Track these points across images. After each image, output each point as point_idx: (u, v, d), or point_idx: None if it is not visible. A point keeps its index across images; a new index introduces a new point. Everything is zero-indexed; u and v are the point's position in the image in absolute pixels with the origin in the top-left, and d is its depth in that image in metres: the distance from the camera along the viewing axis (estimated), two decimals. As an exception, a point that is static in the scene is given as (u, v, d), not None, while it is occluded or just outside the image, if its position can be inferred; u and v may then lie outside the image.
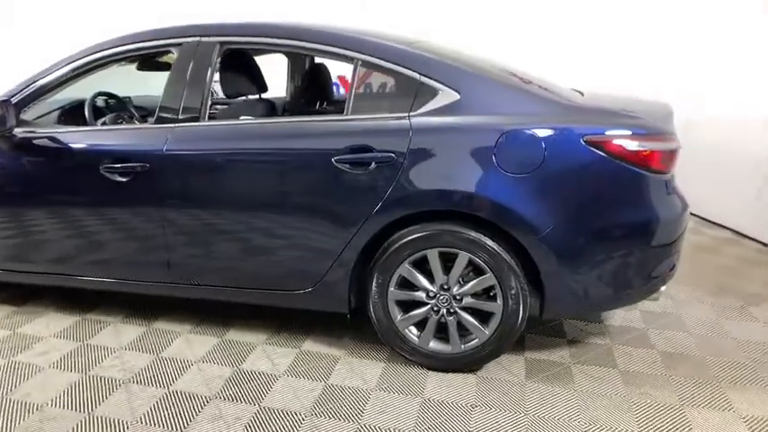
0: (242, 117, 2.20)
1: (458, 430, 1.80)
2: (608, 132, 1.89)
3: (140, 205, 2.20)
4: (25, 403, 1.94)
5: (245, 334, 2.44)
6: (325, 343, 2.37)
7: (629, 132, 1.90)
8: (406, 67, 2.04)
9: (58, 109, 2.65)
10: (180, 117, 2.16)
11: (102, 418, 1.86)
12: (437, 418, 1.86)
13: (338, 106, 3.25)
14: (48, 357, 2.26)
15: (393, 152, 1.95)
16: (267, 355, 2.28)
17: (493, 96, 2.00)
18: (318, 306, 2.24)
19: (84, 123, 2.61)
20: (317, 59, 2.99)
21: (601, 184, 1.92)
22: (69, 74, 2.30)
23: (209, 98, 2.17)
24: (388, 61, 2.05)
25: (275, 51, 2.25)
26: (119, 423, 1.83)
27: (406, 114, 2.00)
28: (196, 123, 2.15)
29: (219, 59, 2.20)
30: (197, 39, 2.20)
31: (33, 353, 2.30)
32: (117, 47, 2.27)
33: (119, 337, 2.42)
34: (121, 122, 2.75)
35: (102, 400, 1.96)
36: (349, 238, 2.05)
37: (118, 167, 2.16)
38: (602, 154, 1.88)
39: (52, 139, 2.27)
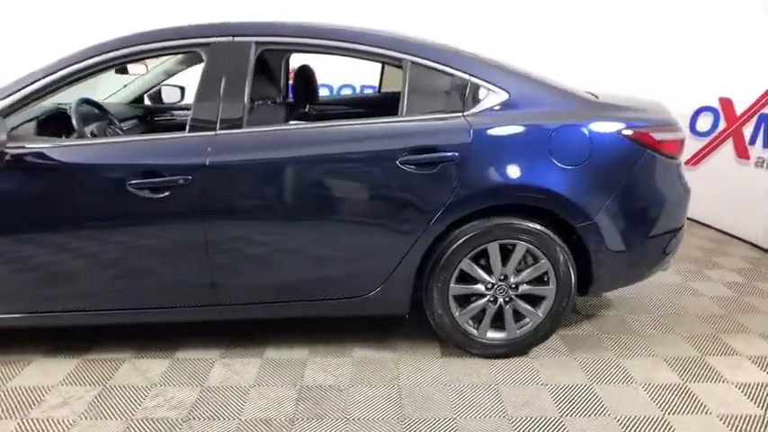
0: (291, 122, 2.08)
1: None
2: (638, 126, 2.14)
3: (180, 222, 1.97)
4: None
5: (282, 351, 2.31)
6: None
7: (654, 125, 2.17)
8: (456, 68, 2.09)
9: (30, 120, 2.22)
10: (220, 124, 1.98)
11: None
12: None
13: (327, 108, 3.21)
14: (72, 408, 1.93)
15: (457, 151, 2.00)
16: (323, 368, 2.19)
17: (536, 95, 2.14)
18: (377, 311, 2.21)
19: (67, 135, 2.25)
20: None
21: (634, 171, 2.14)
22: (72, 76, 1.96)
23: (250, 103, 2.01)
24: (437, 62, 2.09)
25: (313, 52, 2.14)
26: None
27: (462, 114, 2.06)
28: (239, 130, 1.98)
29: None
30: (229, 38, 2.02)
31: (49, 406, 1.95)
32: (131, 46, 1.99)
33: (145, 373, 2.15)
34: (113, 132, 2.41)
35: (170, 444, 1.75)
36: (415, 239, 2.06)
37: (150, 182, 1.91)
38: (635, 145, 2.12)
39: (60, 154, 1.92)
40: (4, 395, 2.01)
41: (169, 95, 3.39)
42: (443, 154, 1.99)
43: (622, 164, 2.13)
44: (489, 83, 2.10)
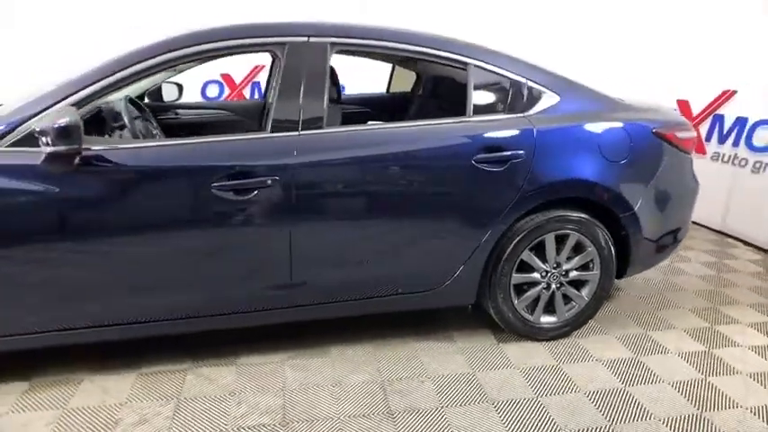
0: (369, 122, 2.10)
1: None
2: (666, 125, 2.41)
3: (264, 224, 1.93)
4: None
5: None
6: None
7: (676, 125, 2.46)
8: (514, 72, 2.23)
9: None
10: (302, 124, 1.96)
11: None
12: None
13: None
14: (154, 425, 1.83)
15: (524, 150, 2.14)
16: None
17: (580, 98, 2.34)
18: (446, 302, 2.31)
19: (100, 134, 2.09)
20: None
21: (662, 165, 2.41)
22: (143, 73, 1.85)
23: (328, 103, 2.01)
24: (498, 66, 2.22)
25: (383, 54, 2.17)
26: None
27: (524, 115, 2.21)
28: (321, 130, 1.98)
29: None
30: (304, 38, 2.01)
31: (129, 424, 1.82)
32: (203, 44, 1.91)
33: (215, 382, 2.07)
34: (154, 131, 2.27)
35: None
36: (486, 233, 2.17)
37: (237, 184, 1.86)
38: (664, 142, 2.39)
39: (140, 156, 1.81)
40: (71, 415, 1.86)
41: (168, 93, 3.25)
42: (513, 152, 2.13)
43: (654, 159, 2.39)
44: (543, 86, 2.27)
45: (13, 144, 1.73)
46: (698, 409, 2.02)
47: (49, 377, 2.07)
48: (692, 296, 3.00)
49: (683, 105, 4.33)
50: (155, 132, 2.28)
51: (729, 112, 3.97)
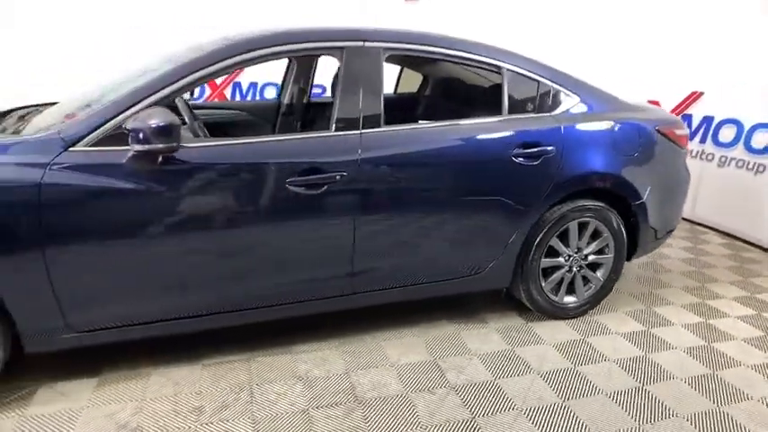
0: (420, 121, 2.27)
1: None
2: (667, 123, 2.72)
3: (331, 216, 2.06)
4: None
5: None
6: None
7: (674, 123, 2.78)
8: (541, 75, 2.47)
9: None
10: (363, 123, 2.10)
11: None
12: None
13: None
14: (235, 411, 1.92)
15: (554, 145, 2.38)
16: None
17: (595, 99, 2.60)
18: (486, 286, 2.52)
19: None
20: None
21: (665, 159, 2.73)
22: (212, 75, 1.94)
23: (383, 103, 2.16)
24: (528, 70, 2.45)
25: (429, 58, 2.34)
26: None
27: (551, 114, 2.45)
28: (379, 129, 2.13)
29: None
30: (360, 43, 2.15)
31: (213, 409, 1.90)
32: (272, 46, 2.01)
33: (280, 368, 2.17)
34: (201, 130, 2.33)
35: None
36: (524, 221, 2.40)
37: (310, 179, 1.98)
38: (665, 138, 2.70)
39: (227, 153, 1.91)
40: (152, 404, 1.92)
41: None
42: (545, 148, 2.36)
43: (658, 154, 2.69)
44: (566, 88, 2.52)
45: (95, 144, 1.78)
46: (710, 369, 2.32)
47: (117, 372, 2.11)
48: (679, 276, 3.35)
49: (654, 105, 4.76)
50: (201, 132, 2.36)
51: (697, 112, 4.41)
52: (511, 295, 2.69)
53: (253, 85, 5.35)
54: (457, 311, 2.71)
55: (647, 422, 1.97)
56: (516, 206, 2.37)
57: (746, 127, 3.99)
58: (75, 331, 1.88)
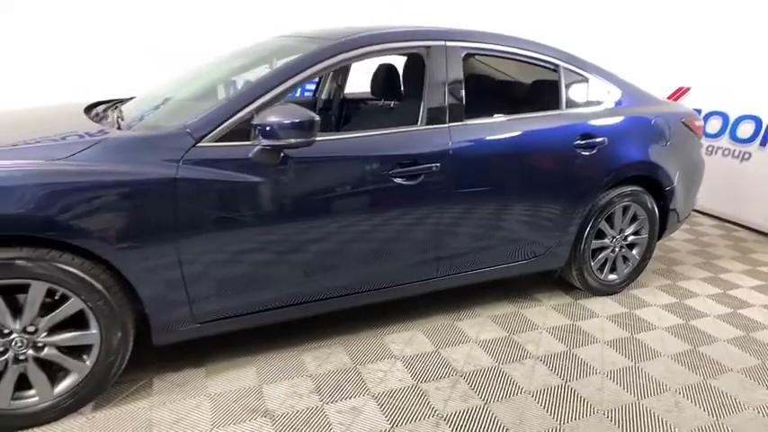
0: (495, 115, 2.44)
1: None
2: (689, 116, 3.04)
3: (425, 205, 2.21)
4: None
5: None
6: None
7: (694, 115, 3.10)
8: (591, 72, 2.71)
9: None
10: (449, 117, 2.26)
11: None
12: None
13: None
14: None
15: (606, 137, 2.62)
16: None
17: (633, 93, 2.87)
18: (546, 266, 2.73)
19: None
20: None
21: (688, 148, 3.05)
22: (311, 76, 2.03)
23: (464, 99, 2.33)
24: (579, 68, 2.68)
25: (500, 57, 2.51)
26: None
27: (600, 108, 2.69)
28: (462, 122, 2.29)
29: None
30: (443, 42, 2.30)
31: (330, 389, 2.01)
32: (367, 46, 2.13)
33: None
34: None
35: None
36: (581, 207, 2.63)
37: (408, 171, 2.12)
38: (688, 129, 3.02)
39: (342, 146, 2.02)
40: (271, 387, 2.00)
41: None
42: (600, 139, 2.60)
43: (683, 143, 3.00)
44: (611, 84, 2.77)
45: (220, 139, 1.85)
46: (743, 332, 2.65)
47: (219, 363, 2.17)
48: (688, 255, 3.72)
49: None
50: None
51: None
52: (560, 276, 2.92)
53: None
54: (512, 292, 2.92)
55: (709, 377, 2.25)
56: (577, 192, 2.60)
57: (732, 118, 4.43)
58: (198, 322, 1.94)
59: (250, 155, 1.86)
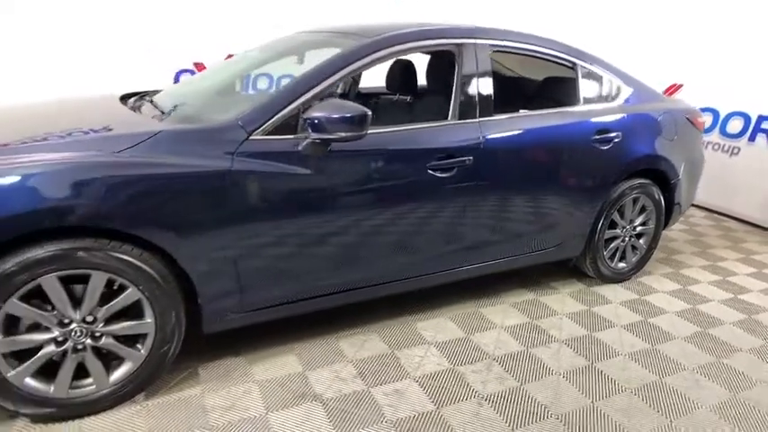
0: (521, 111, 2.53)
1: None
2: (692, 112, 3.20)
3: (457, 197, 2.29)
4: None
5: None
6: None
7: (698, 112, 3.26)
8: (605, 70, 2.83)
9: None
10: (480, 113, 2.34)
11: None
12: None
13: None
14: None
15: (619, 131, 2.75)
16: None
17: (642, 90, 3.01)
18: (564, 255, 2.85)
19: None
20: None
21: (691, 143, 3.21)
22: (351, 73, 2.08)
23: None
24: (595, 65, 2.80)
25: (524, 55, 2.60)
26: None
27: (614, 104, 2.82)
28: (492, 117, 2.38)
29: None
30: (473, 40, 2.38)
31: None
32: (402, 44, 2.19)
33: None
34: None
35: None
36: (598, 198, 2.76)
37: (443, 164, 2.20)
38: (692, 125, 3.18)
39: (385, 139, 2.09)
40: (314, 372, 2.06)
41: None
42: (614, 134, 2.72)
43: (687, 138, 3.16)
44: (622, 81, 2.90)
45: (269, 133, 1.90)
46: (746, 315, 2.82)
47: (257, 352, 2.21)
48: (684, 244, 3.90)
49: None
50: None
51: (676, 103, 5.03)
52: (574, 264, 3.05)
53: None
54: (527, 280, 3.04)
55: (722, 357, 2.40)
56: (595, 184, 2.72)
57: (722, 115, 4.64)
58: (245, 311, 1.99)
59: (299, 148, 1.91)
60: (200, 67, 5.27)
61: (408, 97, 3.34)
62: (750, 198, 4.47)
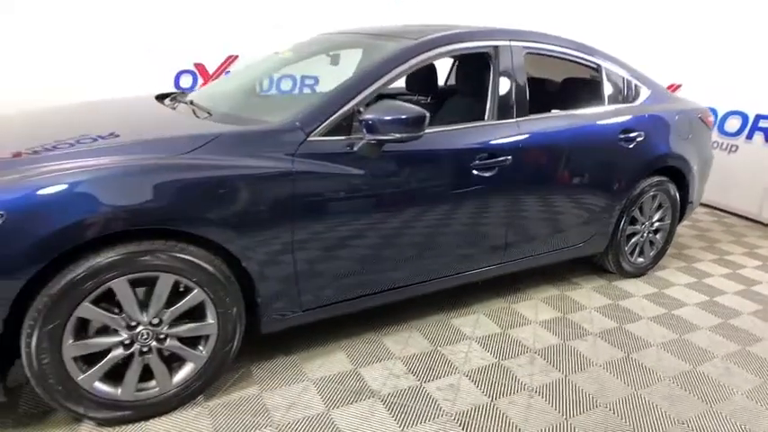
0: (553, 110, 2.60)
1: None
2: (703, 111, 3.32)
3: (498, 195, 2.36)
4: None
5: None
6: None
7: (707, 111, 3.39)
8: (627, 71, 2.94)
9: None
10: (517, 113, 2.41)
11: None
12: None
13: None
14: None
15: (642, 131, 2.85)
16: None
17: (659, 91, 3.12)
18: (589, 252, 2.93)
19: None
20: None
21: (703, 141, 3.33)
22: (400, 74, 2.13)
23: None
24: (618, 67, 2.89)
25: (554, 57, 2.67)
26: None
27: (636, 105, 2.92)
28: (527, 117, 2.45)
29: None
30: (509, 43, 2.45)
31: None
32: (448, 45, 2.26)
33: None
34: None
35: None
36: (622, 196, 2.85)
37: (486, 163, 2.26)
38: (703, 123, 3.30)
39: (433, 139, 2.13)
40: (366, 370, 2.10)
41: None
42: (637, 133, 2.82)
43: (699, 137, 3.28)
44: (642, 83, 3.00)
45: (325, 134, 1.93)
46: (762, 306, 2.95)
47: (306, 351, 2.23)
48: (691, 239, 4.04)
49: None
50: None
51: (675, 102, 5.19)
52: (594, 260, 3.15)
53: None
54: (551, 277, 3.12)
55: (747, 345, 2.52)
56: (619, 182, 2.82)
57: (720, 114, 4.81)
58: (302, 310, 2.01)
59: (355, 148, 1.94)
60: (200, 67, 5.25)
61: (428, 98, 3.41)
62: (748, 194, 4.65)
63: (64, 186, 1.50)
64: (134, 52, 4.37)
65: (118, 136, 1.83)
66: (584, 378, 2.17)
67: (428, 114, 1.92)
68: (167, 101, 2.49)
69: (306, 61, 2.86)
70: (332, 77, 2.27)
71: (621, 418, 1.95)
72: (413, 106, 1.92)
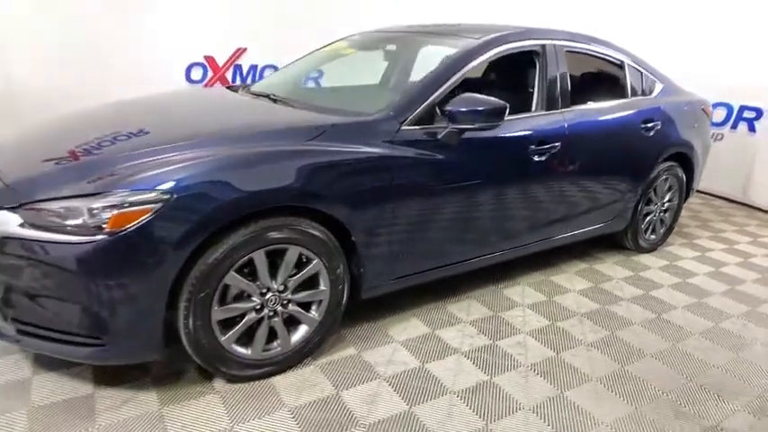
0: (589, 103, 2.92)
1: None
2: (705, 102, 3.72)
3: (548, 178, 2.68)
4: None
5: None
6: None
7: (707, 102, 3.79)
8: (642, 67, 3.29)
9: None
10: (561, 104, 2.72)
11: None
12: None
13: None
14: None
15: (659, 120, 3.21)
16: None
17: (669, 84, 3.49)
18: (613, 229, 3.28)
19: None
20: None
21: (705, 129, 3.73)
22: (469, 70, 2.40)
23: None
24: (637, 64, 3.24)
25: (590, 56, 2.99)
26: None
27: (653, 97, 3.28)
28: (569, 108, 2.76)
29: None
30: (552, 42, 2.75)
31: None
32: (507, 44, 2.55)
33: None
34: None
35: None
36: (643, 179, 3.21)
37: (541, 149, 2.56)
38: (705, 113, 3.70)
39: (502, 128, 2.37)
40: (442, 331, 2.38)
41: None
42: (655, 122, 3.18)
43: (702, 126, 3.68)
44: (655, 77, 3.37)
45: (413, 123, 2.18)
46: (761, 274, 3.38)
47: (382, 319, 2.49)
48: (685, 219, 4.47)
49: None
50: None
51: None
52: (615, 238, 3.51)
53: (253, 67, 5.50)
54: (577, 253, 3.45)
55: (755, 306, 2.92)
56: (641, 166, 3.18)
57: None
58: (395, 278, 2.28)
59: (439, 136, 2.21)
60: (210, 60, 5.38)
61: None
62: (733, 179, 5.13)
63: (224, 170, 1.72)
64: (145, 45, 4.48)
65: (240, 125, 2.05)
66: (628, 334, 2.52)
67: (507, 106, 2.21)
68: (245, 94, 2.70)
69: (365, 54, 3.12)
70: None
71: (668, 366, 2.30)
72: (494, 99, 2.19)
